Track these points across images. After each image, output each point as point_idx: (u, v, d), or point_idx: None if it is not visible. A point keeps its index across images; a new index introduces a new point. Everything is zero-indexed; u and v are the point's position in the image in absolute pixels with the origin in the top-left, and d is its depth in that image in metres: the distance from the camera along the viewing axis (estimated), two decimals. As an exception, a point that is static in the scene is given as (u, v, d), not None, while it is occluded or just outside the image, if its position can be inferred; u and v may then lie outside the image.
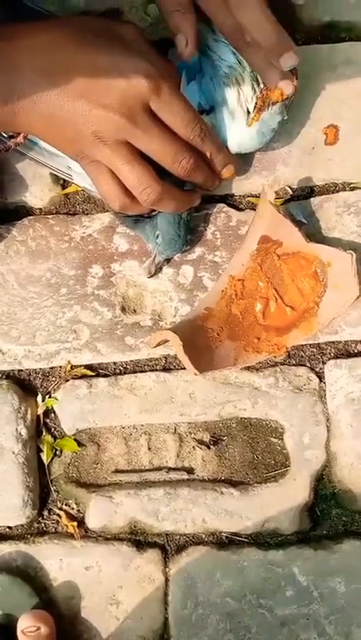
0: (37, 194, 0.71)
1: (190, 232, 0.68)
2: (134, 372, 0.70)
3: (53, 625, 0.66)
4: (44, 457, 0.69)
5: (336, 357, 0.69)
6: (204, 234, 0.70)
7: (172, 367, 0.70)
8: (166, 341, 0.66)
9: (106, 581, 0.68)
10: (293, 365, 0.69)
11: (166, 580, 0.68)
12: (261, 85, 0.61)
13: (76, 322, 0.69)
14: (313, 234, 0.68)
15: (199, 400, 0.68)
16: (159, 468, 0.69)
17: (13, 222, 0.70)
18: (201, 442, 0.69)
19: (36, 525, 0.70)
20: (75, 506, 0.69)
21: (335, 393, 0.68)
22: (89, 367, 0.70)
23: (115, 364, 0.70)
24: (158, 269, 0.69)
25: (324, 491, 0.69)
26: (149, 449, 0.70)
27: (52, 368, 0.70)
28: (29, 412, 0.69)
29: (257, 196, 0.70)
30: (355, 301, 0.65)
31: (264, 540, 0.68)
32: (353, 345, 0.69)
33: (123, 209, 0.61)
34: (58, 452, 0.70)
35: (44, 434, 0.70)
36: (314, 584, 0.66)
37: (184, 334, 0.63)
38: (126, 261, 0.70)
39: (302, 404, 0.68)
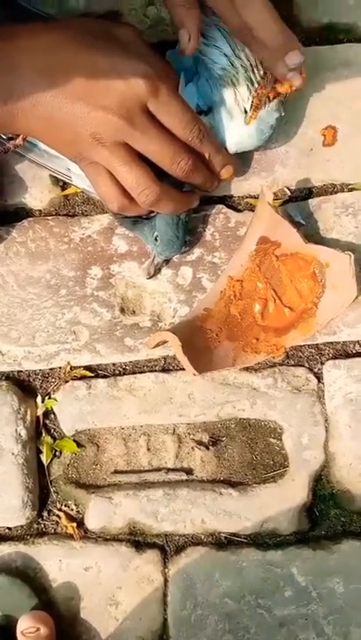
0: (37, 195, 0.71)
1: (189, 233, 0.68)
2: (133, 372, 0.70)
3: (53, 626, 0.66)
4: (44, 458, 0.69)
5: (334, 358, 0.69)
6: (202, 235, 0.70)
7: (171, 368, 0.70)
8: (165, 342, 0.66)
9: (105, 582, 0.68)
10: (292, 366, 0.69)
11: (165, 580, 0.68)
12: (256, 85, 0.61)
13: (76, 323, 0.70)
14: (311, 235, 0.68)
15: (198, 401, 0.69)
16: (158, 469, 0.69)
17: (13, 224, 0.71)
18: (200, 442, 0.69)
19: (35, 526, 0.70)
20: (74, 507, 0.69)
21: (334, 393, 0.68)
22: (88, 368, 0.70)
23: (114, 364, 0.70)
24: (157, 270, 0.69)
25: (323, 491, 0.69)
26: (148, 450, 0.70)
27: (51, 369, 0.70)
28: (29, 413, 0.69)
29: (256, 197, 0.70)
30: (353, 302, 0.65)
31: (263, 540, 0.68)
32: (351, 345, 0.70)
33: (121, 210, 0.61)
34: (57, 453, 0.70)
35: (43, 435, 0.70)
36: (312, 584, 0.67)
37: (183, 335, 0.64)
38: (125, 262, 0.70)
39: (301, 404, 0.68)
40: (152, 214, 0.64)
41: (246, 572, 0.67)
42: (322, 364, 0.69)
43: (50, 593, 0.68)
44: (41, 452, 0.70)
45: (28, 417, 0.69)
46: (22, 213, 0.72)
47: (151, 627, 0.67)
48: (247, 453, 0.69)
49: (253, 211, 0.68)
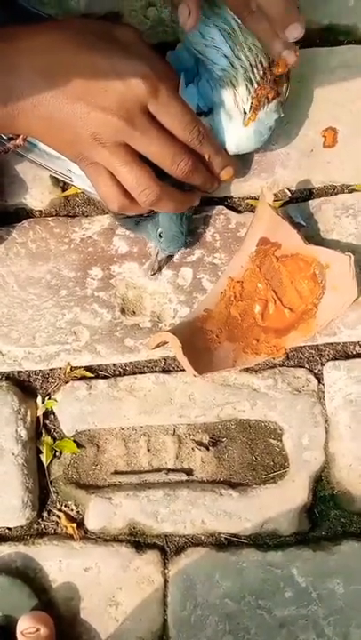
0: (37, 196, 0.71)
1: (190, 234, 0.68)
2: (134, 373, 0.70)
3: (53, 626, 0.66)
4: (44, 458, 0.69)
5: (335, 359, 0.69)
6: (203, 236, 0.70)
7: (171, 369, 0.70)
8: (165, 343, 0.66)
9: (105, 583, 0.68)
10: (292, 367, 0.69)
11: (165, 581, 0.68)
12: (255, 85, 0.61)
13: (76, 323, 0.70)
14: (312, 236, 0.68)
15: (198, 401, 0.69)
16: (158, 470, 0.69)
17: (13, 224, 0.71)
18: (200, 443, 0.69)
19: (35, 527, 0.70)
20: (74, 507, 0.70)
21: (334, 394, 0.68)
22: (88, 369, 0.70)
23: (114, 365, 0.70)
24: (161, 267, 0.69)
25: (323, 492, 0.69)
26: (149, 450, 0.70)
27: (51, 369, 0.70)
28: (29, 413, 0.69)
29: (256, 199, 0.70)
30: (353, 303, 0.65)
31: (263, 541, 0.68)
32: (351, 346, 0.70)
33: (122, 210, 0.61)
34: (57, 454, 0.70)
35: (43, 435, 0.70)
36: (313, 585, 0.67)
37: (183, 336, 0.64)
38: (126, 263, 0.70)
39: (301, 405, 0.68)
40: (153, 212, 0.64)
41: (246, 572, 0.67)
42: (322, 364, 0.69)
43: (50, 593, 0.68)
44: (41, 453, 0.70)
45: (29, 417, 0.69)
46: (23, 214, 0.72)
47: (151, 627, 0.67)
48: (247, 454, 0.69)
49: (254, 212, 0.68)
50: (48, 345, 0.69)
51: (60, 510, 0.69)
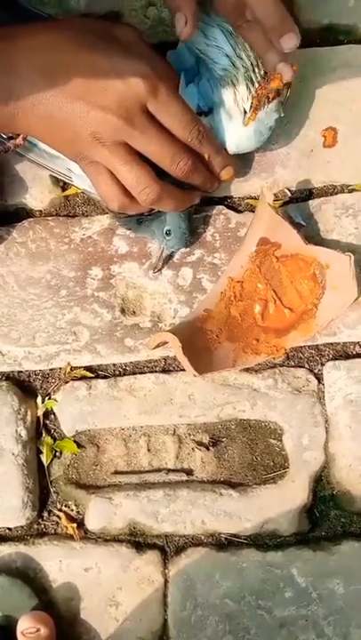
0: (37, 196, 0.71)
1: (191, 233, 0.68)
2: (134, 373, 0.70)
3: (53, 626, 0.66)
4: (44, 458, 0.69)
5: (335, 359, 0.69)
6: (203, 236, 0.70)
7: (171, 369, 0.70)
8: (165, 343, 0.66)
9: (105, 583, 0.68)
10: (292, 367, 0.69)
11: (166, 581, 0.68)
12: (256, 85, 0.61)
13: (76, 323, 0.70)
14: (312, 236, 0.68)
15: (198, 401, 0.69)
16: (158, 470, 0.69)
17: (13, 224, 0.71)
18: (200, 443, 0.69)
19: (35, 527, 0.70)
20: (74, 507, 0.69)
21: (334, 394, 0.68)
22: (88, 369, 0.70)
23: (114, 365, 0.70)
24: (164, 265, 0.69)
25: (323, 492, 0.69)
26: (149, 450, 0.70)
27: (51, 369, 0.70)
28: (29, 413, 0.69)
29: (256, 198, 0.70)
30: (353, 303, 0.65)
31: (263, 541, 0.68)
32: (351, 346, 0.70)
33: (122, 209, 0.61)
34: (57, 454, 0.70)
35: (43, 435, 0.70)
36: (313, 585, 0.67)
37: (183, 336, 0.64)
38: (126, 263, 0.70)
39: (301, 405, 0.68)
40: (154, 212, 0.64)
41: (246, 572, 0.67)
42: (322, 364, 0.69)
43: (50, 593, 0.68)
44: (41, 453, 0.70)
45: (29, 417, 0.69)
46: (22, 214, 0.72)
47: (151, 627, 0.67)
48: (247, 454, 0.69)
49: (254, 212, 0.68)
50: (48, 345, 0.69)
51: (60, 510, 0.69)
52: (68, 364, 0.69)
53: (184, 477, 0.69)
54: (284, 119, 0.65)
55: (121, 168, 0.58)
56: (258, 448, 0.69)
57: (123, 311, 0.70)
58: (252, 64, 0.61)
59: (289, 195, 0.70)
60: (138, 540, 0.69)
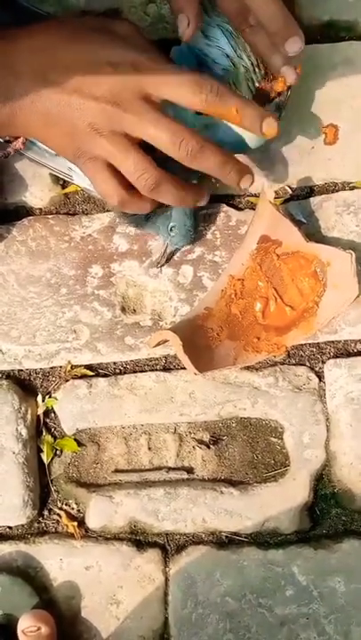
0: (37, 194, 0.71)
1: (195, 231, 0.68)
2: (134, 371, 0.70)
3: (54, 625, 0.66)
4: (45, 457, 0.69)
5: (336, 357, 0.69)
6: (203, 233, 0.70)
7: (171, 367, 0.70)
8: (166, 341, 0.66)
9: (106, 581, 0.68)
10: (293, 365, 0.69)
11: (166, 579, 0.68)
12: (256, 84, 0.61)
13: (76, 322, 0.69)
14: (312, 233, 0.68)
15: (199, 400, 0.69)
16: (159, 468, 0.69)
17: (13, 222, 0.71)
18: (201, 441, 0.69)
19: (36, 525, 0.70)
20: (75, 506, 0.69)
21: (335, 392, 0.68)
22: (89, 367, 0.70)
23: (115, 363, 0.70)
24: (168, 260, 0.69)
25: (324, 490, 0.69)
26: (149, 449, 0.70)
27: (52, 368, 0.70)
28: (29, 411, 0.69)
29: (256, 196, 0.70)
30: (354, 301, 0.65)
31: (264, 539, 0.68)
32: (352, 344, 0.69)
33: (122, 204, 0.60)
34: (58, 452, 0.70)
35: (44, 434, 0.70)
36: (313, 583, 0.66)
37: (184, 334, 0.63)
38: (126, 261, 0.70)
39: (302, 403, 0.68)
40: (158, 210, 0.64)
41: (247, 571, 0.67)
42: (323, 362, 0.69)
43: (51, 592, 0.68)
44: (41, 451, 0.70)
45: (29, 416, 0.69)
46: (22, 212, 0.72)
47: (152, 626, 0.67)
48: (248, 452, 0.69)
49: (254, 209, 0.68)
50: (48, 343, 0.69)
51: (60, 509, 0.69)
52: (69, 362, 0.69)
53: (185, 476, 0.69)
54: (285, 116, 0.64)
55: (119, 155, 0.57)
56: (259, 446, 0.69)
57: (123, 309, 0.70)
58: (252, 64, 0.61)
59: (290, 192, 0.70)
60: (138, 539, 0.69)
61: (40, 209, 0.72)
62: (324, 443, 0.68)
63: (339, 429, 0.68)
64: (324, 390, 0.69)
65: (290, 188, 0.70)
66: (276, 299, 0.67)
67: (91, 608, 0.68)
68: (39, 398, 0.70)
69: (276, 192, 0.69)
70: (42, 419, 0.70)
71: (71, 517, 0.69)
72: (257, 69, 0.60)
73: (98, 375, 0.70)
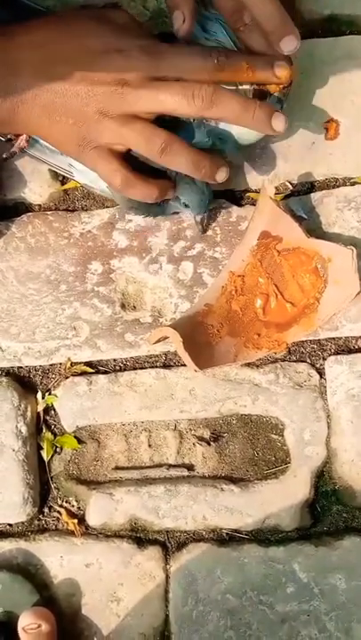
0: (36, 190, 0.71)
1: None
2: (134, 368, 0.70)
3: (54, 622, 0.66)
4: (45, 454, 0.69)
5: (337, 353, 0.69)
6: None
7: (172, 364, 0.70)
8: (166, 338, 0.66)
9: (106, 578, 0.68)
10: (294, 362, 0.69)
11: (167, 576, 0.68)
12: None
13: (76, 318, 0.69)
14: (313, 229, 0.68)
15: (199, 397, 0.68)
16: (159, 465, 0.69)
17: (12, 219, 0.70)
18: (201, 438, 0.69)
19: (36, 523, 0.69)
20: (75, 503, 0.69)
21: (336, 389, 0.68)
22: (89, 364, 0.69)
23: (115, 360, 0.70)
24: (205, 225, 0.68)
25: (325, 487, 0.69)
26: (150, 446, 0.69)
27: (51, 365, 0.70)
28: (29, 409, 0.69)
29: (257, 192, 0.70)
30: (355, 297, 0.65)
31: (265, 536, 0.68)
32: (353, 341, 0.69)
33: (125, 185, 0.59)
34: (58, 450, 0.70)
35: (44, 431, 0.69)
36: (314, 580, 0.66)
37: (184, 331, 0.63)
38: (126, 258, 0.69)
39: (303, 400, 0.68)
40: (165, 199, 0.63)
41: (248, 568, 0.67)
42: (324, 359, 0.69)
43: (51, 589, 0.68)
44: (41, 449, 0.69)
45: (29, 413, 0.69)
46: (21, 208, 0.71)
47: (153, 623, 0.67)
48: (249, 449, 0.69)
49: (255, 205, 0.67)
50: (48, 340, 0.69)
51: (60, 506, 0.69)
52: (69, 359, 0.69)
53: (185, 473, 0.69)
54: (285, 111, 0.64)
55: (130, 134, 0.57)
56: (259, 443, 0.69)
57: (123, 306, 0.69)
58: None
59: (290, 188, 0.70)
60: (139, 536, 0.69)
61: (39, 205, 0.71)
62: (324, 439, 0.68)
63: (340, 426, 0.68)
64: (325, 387, 0.68)
65: (290, 183, 0.70)
66: (277, 295, 0.67)
67: (91, 605, 0.68)
68: (39, 395, 0.70)
69: (276, 188, 0.69)
70: (42, 416, 0.70)
71: (71, 515, 0.69)
72: None
73: (98, 372, 0.70)
